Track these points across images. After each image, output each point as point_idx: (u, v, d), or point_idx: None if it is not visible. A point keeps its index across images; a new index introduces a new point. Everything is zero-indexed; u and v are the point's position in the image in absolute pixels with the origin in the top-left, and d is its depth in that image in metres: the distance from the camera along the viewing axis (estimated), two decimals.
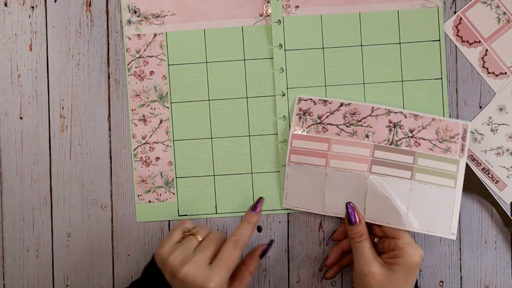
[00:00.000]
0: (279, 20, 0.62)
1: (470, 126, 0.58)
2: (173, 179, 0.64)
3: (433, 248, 0.63)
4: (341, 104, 0.59)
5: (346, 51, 0.62)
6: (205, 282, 0.51)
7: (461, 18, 0.63)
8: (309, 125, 0.60)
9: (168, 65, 0.63)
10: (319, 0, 0.62)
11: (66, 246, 0.64)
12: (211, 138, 0.63)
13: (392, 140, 0.57)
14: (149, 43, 0.63)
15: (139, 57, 0.63)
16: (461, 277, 0.63)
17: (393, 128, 0.58)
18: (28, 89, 0.64)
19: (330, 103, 0.60)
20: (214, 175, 0.63)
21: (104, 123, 0.64)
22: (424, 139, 0.57)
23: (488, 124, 0.63)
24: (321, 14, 0.62)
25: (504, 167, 0.62)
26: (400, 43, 0.62)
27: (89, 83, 0.64)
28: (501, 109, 0.62)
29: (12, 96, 0.64)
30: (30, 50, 0.64)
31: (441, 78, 0.62)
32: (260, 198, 0.60)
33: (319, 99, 0.60)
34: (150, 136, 0.64)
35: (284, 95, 0.62)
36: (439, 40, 0.62)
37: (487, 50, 0.63)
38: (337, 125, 0.59)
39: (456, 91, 0.63)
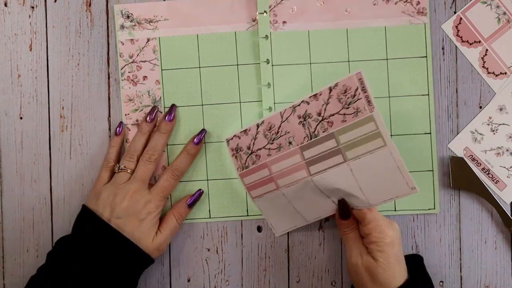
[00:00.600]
0: (266, 35, 0.62)
1: (363, 73, 0.53)
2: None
3: (433, 248, 0.63)
4: (257, 126, 0.59)
5: (334, 67, 0.62)
6: (146, 204, 0.58)
7: (461, 18, 0.63)
8: (245, 159, 0.59)
9: (161, 70, 0.63)
10: (307, 16, 0.62)
11: None
12: (204, 143, 0.63)
13: (310, 133, 0.56)
14: (142, 48, 0.63)
15: (132, 62, 0.63)
16: (461, 277, 0.63)
17: (304, 122, 0.56)
18: (28, 89, 0.64)
19: (249, 130, 0.59)
20: (207, 180, 0.63)
21: (104, 123, 0.64)
22: (333, 115, 0.55)
23: (488, 124, 0.63)
24: (308, 30, 0.62)
25: (504, 167, 0.62)
26: (387, 59, 0.62)
27: (89, 83, 0.64)
28: (501, 109, 0.62)
29: (12, 96, 0.64)
30: (30, 50, 0.64)
31: (428, 94, 0.62)
32: (203, 130, 0.62)
33: (240, 132, 0.60)
34: None
35: (271, 110, 0.62)
36: (426, 57, 0.62)
37: (487, 50, 0.63)
38: (264, 147, 0.58)
39: (456, 91, 0.63)
